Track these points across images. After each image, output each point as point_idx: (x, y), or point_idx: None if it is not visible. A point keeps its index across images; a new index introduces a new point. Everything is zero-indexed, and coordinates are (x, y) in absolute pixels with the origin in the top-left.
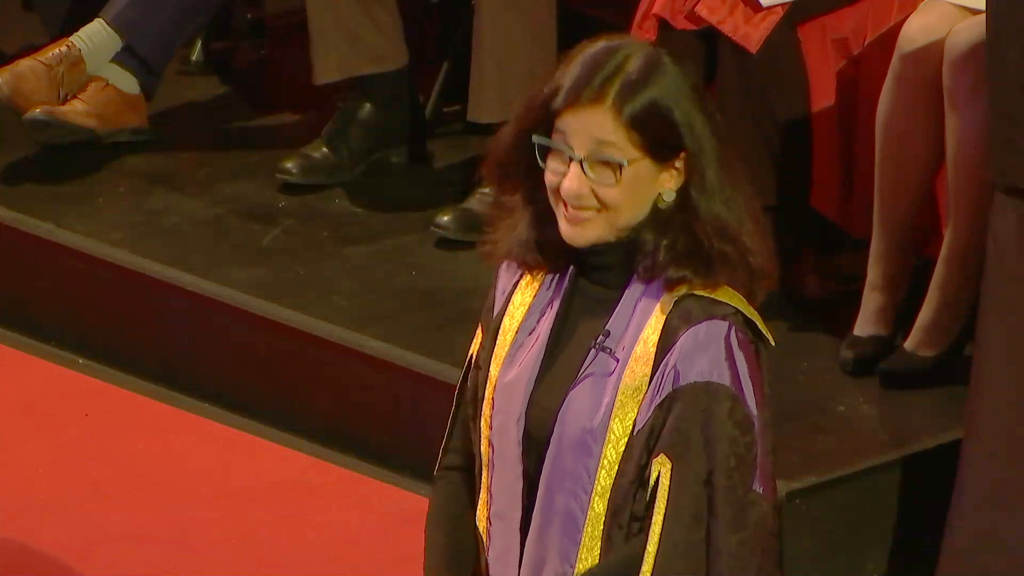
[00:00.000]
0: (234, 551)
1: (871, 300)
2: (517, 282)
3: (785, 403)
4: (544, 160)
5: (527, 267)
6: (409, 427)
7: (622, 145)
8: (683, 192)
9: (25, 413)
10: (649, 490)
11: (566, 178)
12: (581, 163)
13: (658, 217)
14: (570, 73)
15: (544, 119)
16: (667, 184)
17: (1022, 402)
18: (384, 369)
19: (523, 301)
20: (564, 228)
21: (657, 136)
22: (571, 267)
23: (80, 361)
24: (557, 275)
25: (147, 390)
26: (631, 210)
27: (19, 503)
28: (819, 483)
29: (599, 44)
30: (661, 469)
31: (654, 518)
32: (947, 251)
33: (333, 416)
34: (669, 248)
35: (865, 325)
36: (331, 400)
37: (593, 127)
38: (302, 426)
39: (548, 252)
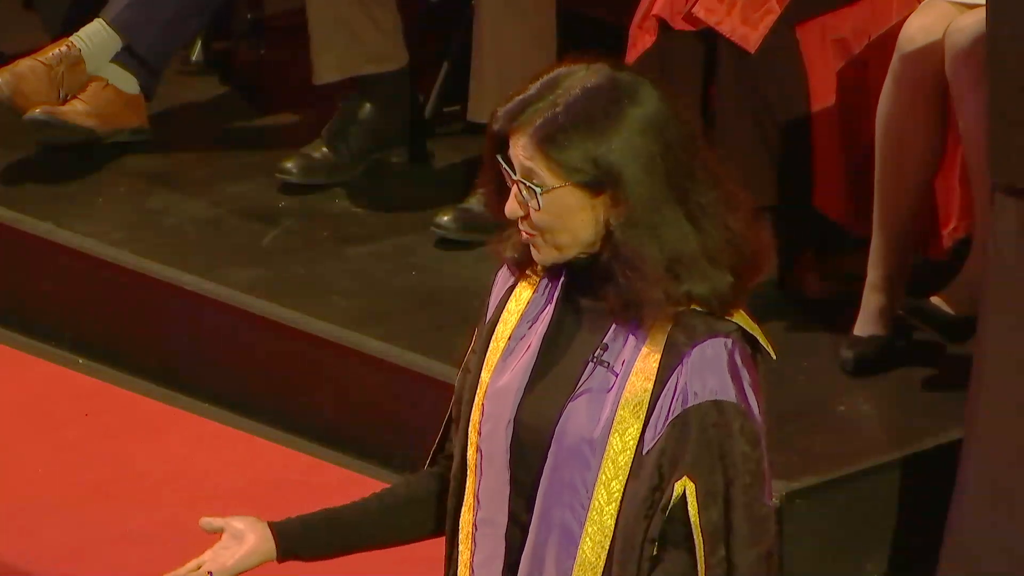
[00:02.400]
0: None
1: (871, 300)
2: (512, 289)
3: (785, 403)
4: (509, 179)
5: (530, 271)
6: (409, 427)
7: (542, 173)
8: (619, 224)
9: (25, 413)
10: (668, 512)
11: (510, 196)
12: (518, 184)
13: (611, 242)
14: (516, 96)
15: (496, 143)
16: (610, 210)
17: (1022, 402)
18: (384, 369)
19: (516, 308)
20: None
21: (575, 169)
22: (562, 277)
23: (80, 361)
24: (551, 284)
25: (147, 390)
26: (569, 234)
27: (19, 503)
28: (819, 483)
29: (555, 69)
30: (686, 488)
31: (696, 538)
32: (980, 228)
33: (333, 416)
34: (624, 271)
35: (865, 325)
36: (331, 400)
37: (519, 151)
38: (302, 426)
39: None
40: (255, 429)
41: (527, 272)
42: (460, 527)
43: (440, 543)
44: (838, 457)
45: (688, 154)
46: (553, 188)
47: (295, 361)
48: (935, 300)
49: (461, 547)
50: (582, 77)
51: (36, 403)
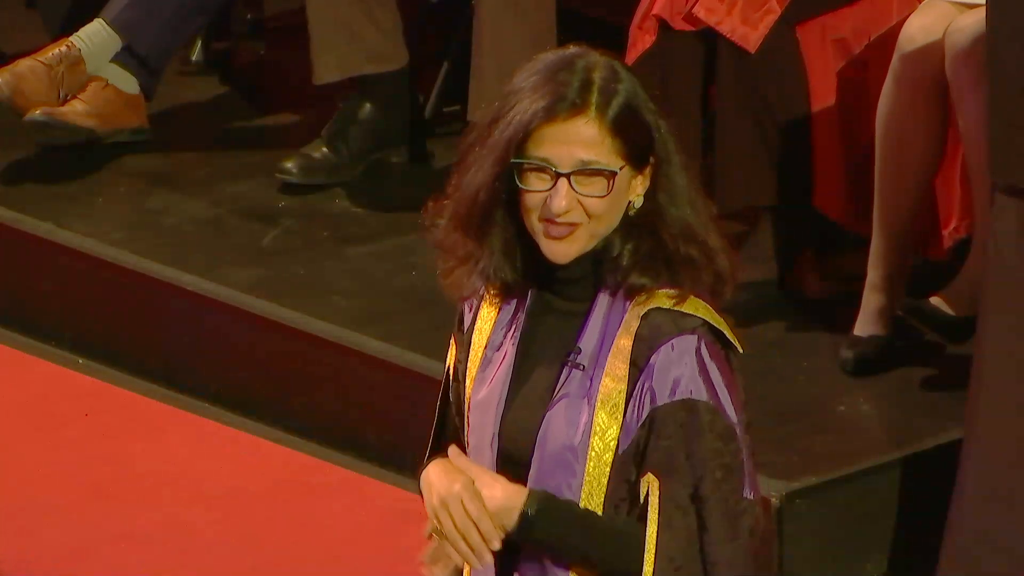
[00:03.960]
0: (234, 551)
1: (871, 300)
2: (483, 296)
3: (785, 403)
4: (521, 181)
5: (505, 288)
6: (409, 427)
7: (608, 153)
8: (650, 197)
9: (25, 413)
10: (640, 506)
11: (553, 195)
12: (568, 177)
13: (626, 223)
14: (535, 92)
15: (514, 144)
16: (637, 190)
17: (1022, 402)
18: (384, 369)
19: (489, 316)
20: (547, 246)
21: (636, 140)
22: (532, 285)
23: (80, 361)
24: (521, 288)
25: (147, 390)
26: (612, 219)
27: (19, 503)
28: (819, 483)
29: (550, 58)
30: (650, 486)
31: (647, 536)
32: (980, 229)
33: (333, 416)
34: (632, 252)
35: (865, 325)
36: (331, 400)
37: (577, 138)
38: (302, 426)
39: (522, 271)
40: (255, 429)
41: (511, 285)
42: None
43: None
44: (838, 457)
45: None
46: (622, 167)
47: (295, 361)
48: (935, 300)
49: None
50: (590, 60)
51: (36, 403)
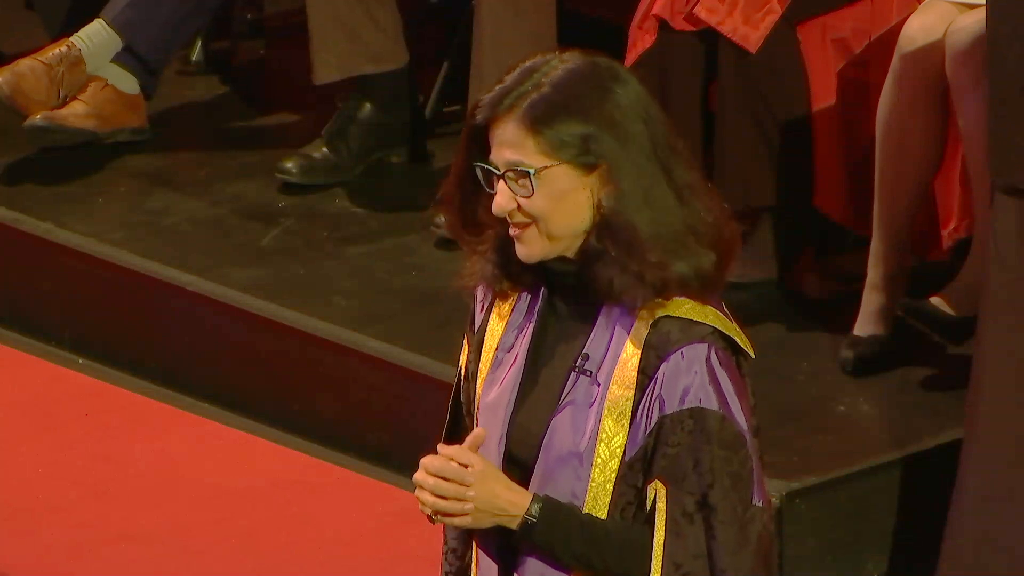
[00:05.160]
0: (234, 551)
1: (871, 300)
2: (495, 297)
3: (785, 403)
4: (487, 185)
5: (501, 293)
6: (409, 427)
7: (531, 153)
8: (609, 200)
9: (25, 413)
10: (647, 512)
11: (496, 195)
12: (504, 177)
13: (603, 224)
14: (493, 90)
15: (480, 141)
16: (601, 189)
17: (1022, 402)
18: (384, 369)
19: (501, 318)
20: (515, 247)
21: (568, 145)
22: (543, 286)
23: (80, 361)
24: (532, 291)
25: (147, 390)
26: (562, 219)
27: (19, 503)
28: (819, 483)
29: (528, 61)
30: (657, 493)
31: (654, 543)
32: (980, 229)
33: (333, 416)
34: (613, 280)
35: (865, 325)
36: (331, 400)
37: (505, 140)
38: (302, 426)
39: (516, 275)
40: (255, 429)
41: (506, 290)
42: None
43: (435, 542)
44: (838, 457)
45: (669, 133)
46: (545, 167)
47: (295, 361)
48: (935, 300)
49: (472, 557)
50: (559, 62)
51: (36, 403)
